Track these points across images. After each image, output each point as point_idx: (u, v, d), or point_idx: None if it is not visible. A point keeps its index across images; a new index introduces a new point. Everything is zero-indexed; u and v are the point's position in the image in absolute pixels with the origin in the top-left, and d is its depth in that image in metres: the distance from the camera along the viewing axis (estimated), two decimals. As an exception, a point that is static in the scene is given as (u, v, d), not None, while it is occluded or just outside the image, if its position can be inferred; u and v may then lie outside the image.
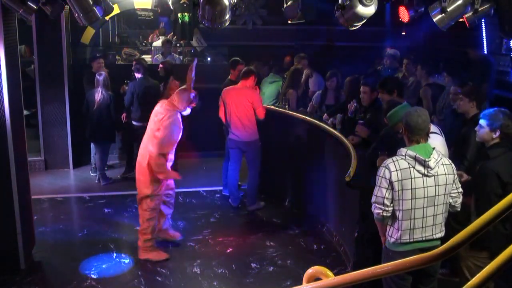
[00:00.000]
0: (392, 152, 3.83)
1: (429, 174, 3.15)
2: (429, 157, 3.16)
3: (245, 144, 6.13)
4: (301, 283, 2.33)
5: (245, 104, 6.04)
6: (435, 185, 3.17)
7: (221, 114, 6.28)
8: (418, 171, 3.15)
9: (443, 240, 3.21)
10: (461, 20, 4.47)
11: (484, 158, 3.69)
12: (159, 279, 4.77)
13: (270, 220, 6.16)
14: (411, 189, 3.14)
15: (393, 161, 3.19)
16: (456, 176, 3.28)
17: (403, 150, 3.22)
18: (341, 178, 4.53)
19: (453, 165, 3.28)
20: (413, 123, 3.21)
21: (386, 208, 3.21)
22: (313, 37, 9.53)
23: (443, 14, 4.31)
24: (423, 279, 3.36)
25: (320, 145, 6.13)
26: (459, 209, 3.35)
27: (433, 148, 3.23)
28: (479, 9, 4.29)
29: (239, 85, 6.17)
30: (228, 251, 5.35)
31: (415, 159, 3.15)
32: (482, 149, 3.83)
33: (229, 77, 6.76)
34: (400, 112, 3.75)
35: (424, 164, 3.14)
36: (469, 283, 1.67)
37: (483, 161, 3.67)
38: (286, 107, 6.73)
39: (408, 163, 3.16)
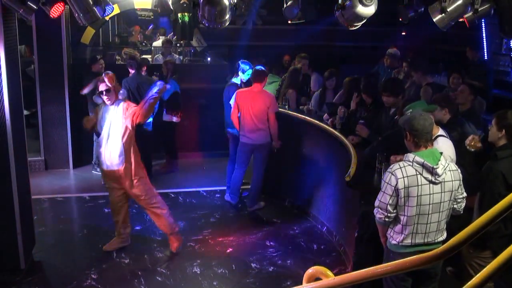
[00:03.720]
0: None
1: (436, 181, 3.09)
2: (437, 164, 3.08)
3: (258, 146, 6.08)
4: (301, 283, 2.33)
5: (262, 107, 5.95)
6: (441, 192, 3.12)
7: (235, 117, 6.13)
8: (425, 178, 3.08)
9: (444, 242, 3.20)
10: (461, 20, 4.47)
11: (492, 159, 3.66)
12: (159, 279, 4.77)
13: (270, 220, 6.16)
14: (417, 196, 3.09)
15: (400, 167, 3.12)
16: (461, 182, 3.22)
17: (410, 156, 3.14)
18: (341, 178, 4.53)
19: (459, 170, 3.23)
20: (420, 126, 3.13)
21: (389, 214, 3.18)
22: (313, 37, 9.54)
23: (443, 14, 4.31)
24: (423, 281, 3.34)
25: (320, 145, 6.13)
26: (461, 212, 3.33)
27: (441, 153, 3.17)
28: (479, 9, 4.28)
29: (254, 88, 6.03)
30: (228, 251, 5.35)
31: (423, 166, 3.08)
32: (491, 149, 3.80)
33: (233, 79, 6.60)
34: (419, 106, 3.68)
35: (432, 172, 3.07)
36: (469, 283, 1.67)
37: (491, 161, 3.64)
38: (286, 107, 6.74)
39: (416, 170, 3.09)
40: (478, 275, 1.67)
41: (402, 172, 3.10)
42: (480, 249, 3.65)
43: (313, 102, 6.81)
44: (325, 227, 5.86)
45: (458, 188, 3.20)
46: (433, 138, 3.36)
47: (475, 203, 3.74)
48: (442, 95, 4.63)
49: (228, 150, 6.78)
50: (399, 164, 3.15)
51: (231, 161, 6.59)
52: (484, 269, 1.68)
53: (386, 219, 3.20)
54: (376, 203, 3.23)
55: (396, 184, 3.09)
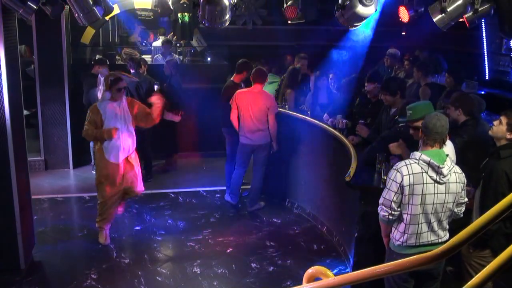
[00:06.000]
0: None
1: (441, 181, 3.10)
2: (443, 164, 3.10)
3: (258, 147, 6.07)
4: (301, 283, 2.33)
5: (262, 108, 5.94)
6: (445, 193, 3.13)
7: (234, 118, 6.09)
8: (430, 177, 3.09)
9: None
10: (461, 20, 4.47)
11: (494, 157, 3.65)
12: (159, 279, 4.77)
13: (270, 220, 6.16)
14: (422, 194, 3.10)
15: (406, 165, 3.13)
16: (465, 185, 3.24)
17: (417, 154, 3.16)
18: (341, 178, 4.53)
19: (463, 174, 3.24)
20: (431, 125, 3.15)
21: (393, 212, 3.18)
22: (313, 37, 9.54)
23: (443, 14, 4.31)
24: (426, 281, 3.33)
25: (320, 145, 6.13)
26: (461, 216, 3.33)
27: (447, 155, 3.18)
28: (479, 9, 4.28)
29: (254, 89, 6.01)
30: (228, 251, 5.35)
31: (429, 164, 3.09)
32: (492, 147, 3.77)
33: (232, 79, 6.51)
34: (423, 107, 3.64)
35: (438, 171, 3.08)
36: (469, 283, 1.67)
37: (494, 160, 3.63)
38: (286, 107, 6.73)
39: (421, 168, 3.10)
40: (478, 275, 1.68)
41: (408, 169, 3.11)
42: (479, 249, 3.64)
43: (306, 102, 6.81)
44: (325, 227, 5.86)
45: (461, 191, 3.21)
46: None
47: (475, 203, 3.74)
48: (457, 95, 4.58)
49: (227, 150, 6.78)
50: (404, 162, 3.17)
51: (229, 161, 6.59)
52: (484, 269, 1.68)
53: (390, 217, 3.20)
54: (381, 200, 3.23)
55: (402, 181, 3.10)
